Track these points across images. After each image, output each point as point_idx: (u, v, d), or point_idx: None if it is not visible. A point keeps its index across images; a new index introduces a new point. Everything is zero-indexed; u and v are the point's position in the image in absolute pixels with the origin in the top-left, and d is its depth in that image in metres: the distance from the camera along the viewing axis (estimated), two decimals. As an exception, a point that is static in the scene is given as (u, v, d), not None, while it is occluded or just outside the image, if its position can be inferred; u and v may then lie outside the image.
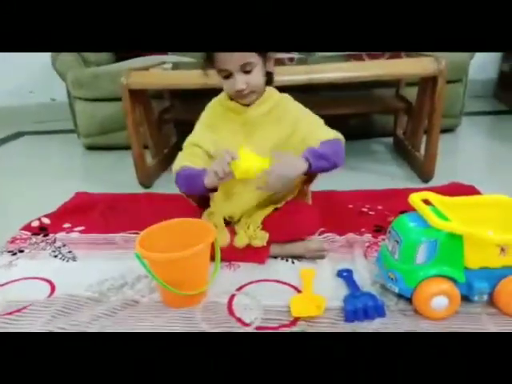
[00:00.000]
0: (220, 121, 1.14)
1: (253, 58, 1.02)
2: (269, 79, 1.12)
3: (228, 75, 1.03)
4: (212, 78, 1.08)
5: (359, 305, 0.91)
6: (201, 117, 1.17)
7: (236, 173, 0.97)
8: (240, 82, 1.02)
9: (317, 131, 1.11)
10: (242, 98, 1.07)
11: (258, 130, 1.12)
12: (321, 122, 1.15)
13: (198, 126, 1.16)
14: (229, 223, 1.17)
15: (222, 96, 1.14)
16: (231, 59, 1.00)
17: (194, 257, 0.94)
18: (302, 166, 1.01)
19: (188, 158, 1.10)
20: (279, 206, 1.15)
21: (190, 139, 1.15)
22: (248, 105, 1.10)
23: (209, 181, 1.00)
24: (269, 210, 1.15)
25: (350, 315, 0.90)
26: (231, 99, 1.10)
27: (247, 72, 1.02)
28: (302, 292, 1.00)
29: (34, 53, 2.14)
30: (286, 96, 1.16)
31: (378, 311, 0.90)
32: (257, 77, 1.04)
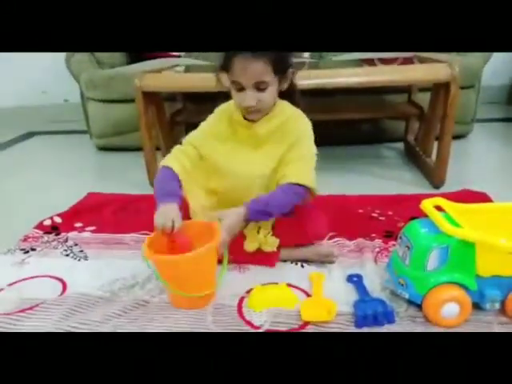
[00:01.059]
0: (225, 130, 1.12)
1: (269, 77, 0.99)
2: (290, 93, 1.10)
3: (240, 88, 1.01)
4: (224, 83, 1.07)
5: (369, 311, 0.90)
6: (207, 119, 1.16)
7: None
8: (251, 98, 1.00)
9: (298, 167, 1.07)
10: (247, 114, 1.06)
11: (263, 145, 1.10)
12: (312, 158, 1.10)
13: (202, 129, 1.15)
14: None
15: (231, 105, 1.12)
16: (246, 74, 0.98)
17: (199, 259, 0.93)
18: (241, 218, 1.02)
19: (178, 157, 1.10)
20: None
21: (190, 138, 1.14)
22: (255, 121, 1.08)
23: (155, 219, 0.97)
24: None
25: (360, 321, 0.89)
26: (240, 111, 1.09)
27: (260, 90, 1.00)
28: (312, 296, 1.00)
29: (48, 53, 2.18)
30: (299, 114, 1.12)
31: (388, 317, 0.90)
32: (269, 96, 1.02)
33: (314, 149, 1.11)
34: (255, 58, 0.96)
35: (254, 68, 0.96)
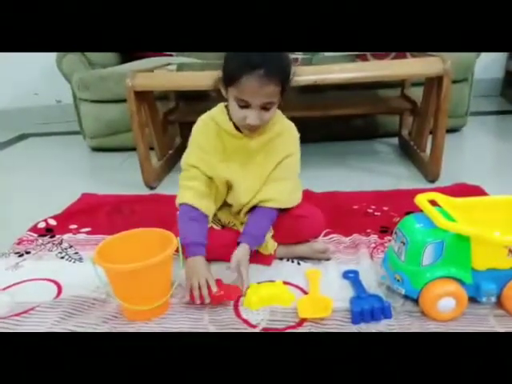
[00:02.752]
0: (213, 141, 1.08)
1: (276, 97, 0.97)
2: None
3: (245, 106, 0.96)
4: (223, 93, 1.02)
5: (366, 306, 0.90)
6: (192, 134, 1.11)
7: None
8: (256, 117, 0.97)
9: (282, 189, 1.09)
10: (247, 130, 1.03)
11: (253, 158, 1.09)
12: (296, 176, 1.13)
13: (191, 146, 1.11)
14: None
15: (217, 113, 1.08)
16: (257, 95, 0.94)
17: (154, 268, 0.90)
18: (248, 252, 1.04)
19: (189, 186, 1.08)
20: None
21: (186, 160, 1.11)
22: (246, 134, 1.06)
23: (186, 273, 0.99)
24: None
25: (357, 317, 0.89)
26: (231, 120, 1.05)
27: (265, 109, 0.97)
28: (309, 293, 1.00)
29: (39, 54, 2.16)
30: (289, 126, 1.12)
31: (385, 313, 0.90)
32: (271, 115, 1.00)
33: (298, 166, 1.13)
34: (268, 79, 0.91)
35: (266, 90, 0.93)
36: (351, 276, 1.04)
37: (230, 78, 0.95)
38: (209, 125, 1.09)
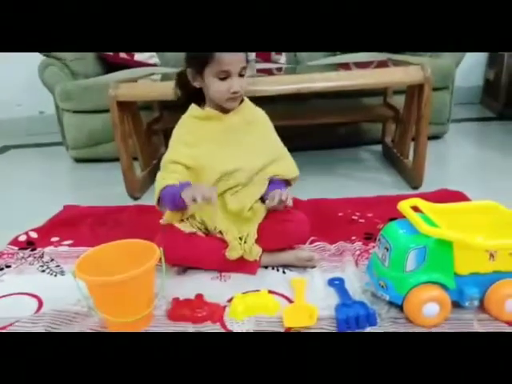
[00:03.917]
0: (197, 134, 1.14)
1: (245, 63, 1.08)
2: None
3: (225, 77, 1.06)
4: (197, 83, 1.11)
5: (351, 314, 0.90)
6: (173, 135, 1.17)
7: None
8: (237, 84, 1.07)
9: (284, 161, 1.20)
10: (231, 102, 1.10)
11: (236, 138, 1.15)
12: (283, 146, 1.23)
13: (173, 144, 1.15)
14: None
15: (191, 110, 1.16)
16: (235, 61, 1.05)
17: (137, 279, 0.89)
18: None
19: (170, 177, 1.10)
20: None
21: (167, 158, 1.14)
22: (225, 113, 1.13)
23: (186, 197, 0.99)
24: (259, 220, 1.14)
25: (342, 324, 0.89)
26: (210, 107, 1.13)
27: (241, 76, 1.08)
28: (294, 302, 0.99)
29: (22, 65, 2.14)
30: (260, 109, 1.23)
31: (370, 320, 0.90)
32: (245, 82, 1.10)
33: None
34: None
35: (240, 55, 1.06)
36: (336, 283, 1.04)
37: (204, 60, 1.05)
38: (188, 121, 1.17)
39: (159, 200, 1.10)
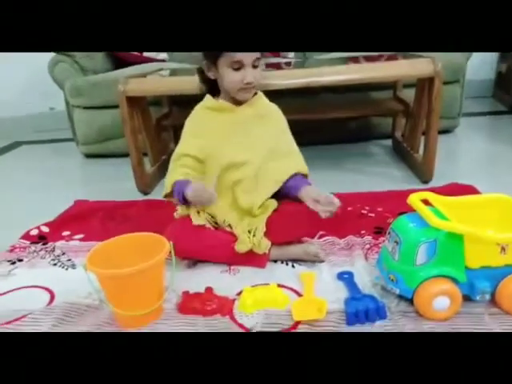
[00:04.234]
0: (206, 124, 1.15)
1: (260, 54, 1.08)
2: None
3: (239, 68, 1.06)
4: (212, 75, 1.11)
5: (360, 307, 0.90)
6: (185, 127, 1.19)
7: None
8: (251, 75, 1.07)
9: (294, 158, 1.19)
10: (244, 92, 1.11)
11: (247, 129, 1.15)
12: (295, 145, 1.21)
13: (184, 137, 1.18)
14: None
15: (205, 100, 1.17)
16: (249, 52, 1.04)
17: (147, 272, 0.90)
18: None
19: (179, 171, 1.12)
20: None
21: (177, 150, 1.16)
22: (238, 105, 1.14)
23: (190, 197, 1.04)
24: (268, 213, 1.14)
25: (352, 318, 0.89)
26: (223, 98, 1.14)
27: (255, 67, 1.08)
28: (303, 296, 0.99)
29: (32, 62, 2.16)
30: (273, 104, 1.22)
31: (380, 313, 0.90)
32: (259, 73, 1.10)
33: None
34: None
35: None
36: (346, 277, 1.04)
37: (214, 55, 1.06)
38: (201, 112, 1.18)
39: (168, 194, 1.13)
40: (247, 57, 1.05)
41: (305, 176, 1.18)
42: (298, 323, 0.90)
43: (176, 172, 1.13)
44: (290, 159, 1.17)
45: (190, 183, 1.07)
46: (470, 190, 1.45)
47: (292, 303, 0.95)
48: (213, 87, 1.16)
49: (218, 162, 1.13)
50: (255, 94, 1.17)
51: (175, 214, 1.17)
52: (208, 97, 1.17)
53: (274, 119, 1.20)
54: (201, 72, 1.16)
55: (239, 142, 1.14)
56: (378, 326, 0.88)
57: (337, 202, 1.00)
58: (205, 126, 1.15)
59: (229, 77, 1.08)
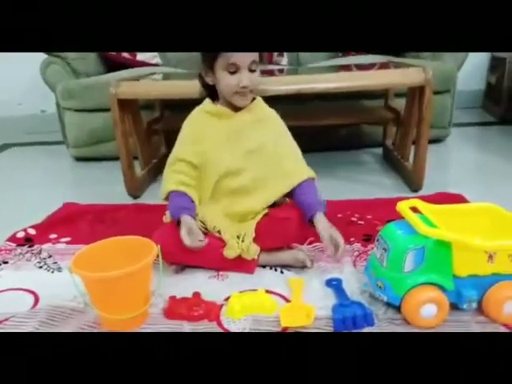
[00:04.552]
0: (204, 130, 1.14)
1: (257, 59, 1.06)
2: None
3: (235, 71, 1.05)
4: (210, 81, 1.10)
5: (348, 314, 0.89)
6: (182, 130, 1.17)
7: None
8: (247, 78, 1.05)
9: (297, 163, 1.17)
10: (240, 97, 1.09)
11: (245, 135, 1.13)
12: (298, 148, 1.19)
13: (180, 140, 1.16)
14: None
15: (204, 104, 1.16)
16: (244, 54, 1.03)
17: (134, 275, 0.88)
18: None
19: (175, 178, 1.11)
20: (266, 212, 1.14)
21: (173, 154, 1.15)
22: (236, 111, 1.12)
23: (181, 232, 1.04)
24: (258, 218, 1.13)
25: (339, 324, 0.89)
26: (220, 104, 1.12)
27: (252, 71, 1.06)
28: (291, 301, 0.99)
29: (24, 64, 2.15)
30: (274, 111, 1.20)
31: (367, 320, 0.89)
32: (257, 77, 1.08)
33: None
34: None
35: None
36: (334, 284, 1.03)
37: (211, 57, 1.05)
38: (199, 116, 1.16)
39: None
40: (243, 59, 1.04)
41: (312, 179, 1.16)
42: (285, 329, 0.90)
43: (172, 178, 1.12)
44: (288, 165, 1.15)
45: (185, 210, 1.07)
46: (458, 199, 1.46)
47: (280, 309, 0.95)
48: (212, 92, 1.14)
49: (215, 169, 1.12)
50: (254, 99, 1.15)
51: (164, 218, 1.16)
52: (207, 101, 1.16)
53: (272, 123, 1.18)
54: (201, 77, 1.14)
55: (237, 149, 1.12)
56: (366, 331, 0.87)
57: (342, 248, 1.02)
58: (203, 131, 1.14)
59: (225, 80, 1.06)
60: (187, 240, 1.02)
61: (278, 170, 1.13)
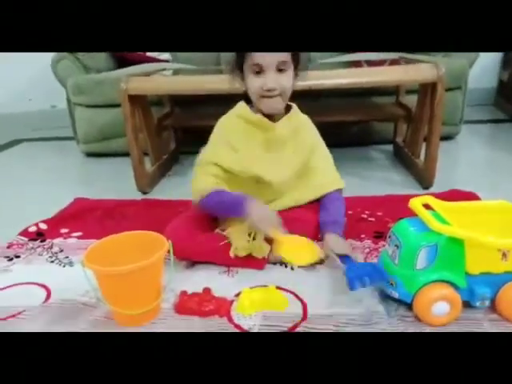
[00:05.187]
0: (238, 136, 1.09)
1: (288, 58, 0.99)
2: None
3: (259, 71, 0.98)
4: (238, 84, 1.06)
5: (361, 271, 0.91)
6: (217, 131, 1.12)
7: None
8: (272, 80, 0.98)
9: (328, 173, 1.17)
10: (267, 101, 1.02)
11: (281, 150, 1.09)
12: (330, 157, 1.18)
13: (214, 142, 1.11)
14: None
15: (241, 109, 1.09)
16: (270, 54, 0.96)
17: (146, 270, 0.89)
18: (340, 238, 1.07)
19: (208, 180, 1.07)
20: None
21: (205, 156, 1.10)
22: (273, 121, 1.07)
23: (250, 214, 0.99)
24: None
25: (354, 282, 0.89)
26: (256, 112, 1.07)
27: (280, 71, 0.99)
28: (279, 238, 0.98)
29: (35, 60, 2.16)
30: (307, 117, 1.16)
31: (380, 275, 0.91)
32: (288, 79, 1.01)
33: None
34: None
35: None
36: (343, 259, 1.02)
37: (239, 58, 1.00)
38: (235, 121, 1.09)
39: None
40: (268, 59, 0.96)
41: (339, 190, 1.16)
42: (295, 326, 0.90)
43: (205, 181, 1.08)
44: (323, 176, 1.15)
45: (247, 198, 1.02)
46: (470, 196, 1.44)
47: (282, 251, 0.96)
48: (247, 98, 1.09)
49: (247, 178, 1.09)
50: (290, 107, 1.11)
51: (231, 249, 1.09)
52: (243, 105, 1.10)
53: (308, 132, 1.15)
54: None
55: (273, 161, 1.09)
56: (377, 330, 0.87)
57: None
58: (237, 137, 1.08)
59: (250, 83, 1.00)
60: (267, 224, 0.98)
61: (310, 181, 1.13)
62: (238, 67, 1.03)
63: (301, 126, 1.12)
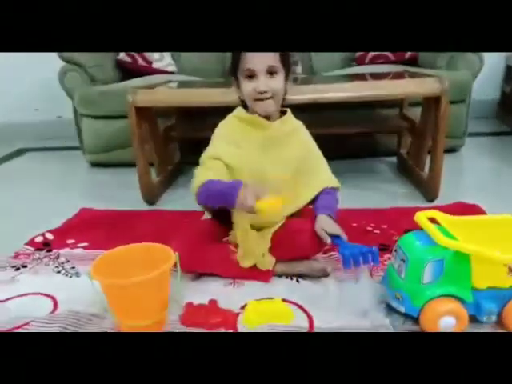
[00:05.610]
0: (238, 135, 1.12)
1: (278, 63, 1.04)
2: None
3: (251, 75, 1.03)
4: (236, 91, 1.10)
5: (355, 250, 0.96)
6: (217, 131, 1.15)
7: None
8: (263, 83, 1.03)
9: (323, 173, 1.20)
10: (261, 104, 1.06)
11: (278, 148, 1.12)
12: (324, 159, 1.21)
13: (216, 140, 1.14)
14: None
15: (239, 112, 1.14)
16: (259, 59, 1.01)
17: (152, 283, 0.89)
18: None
19: (209, 173, 1.07)
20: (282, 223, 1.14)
21: (208, 153, 1.12)
22: (270, 120, 1.11)
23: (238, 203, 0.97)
24: (273, 229, 1.14)
25: (348, 260, 0.94)
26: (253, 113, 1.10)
27: (271, 74, 1.04)
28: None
29: (41, 70, 2.18)
30: (299, 121, 1.20)
31: (373, 256, 0.97)
32: (279, 84, 1.05)
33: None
34: None
35: (265, 53, 1.01)
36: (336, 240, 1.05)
37: (236, 60, 1.05)
38: (234, 122, 1.14)
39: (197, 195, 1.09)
40: (258, 64, 1.01)
41: (335, 189, 1.19)
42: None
43: (204, 174, 1.08)
44: (319, 175, 1.18)
45: (237, 183, 0.99)
46: (475, 208, 1.45)
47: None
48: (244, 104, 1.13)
49: (247, 175, 1.09)
50: (285, 112, 1.15)
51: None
52: (240, 108, 1.14)
53: (302, 135, 1.18)
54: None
55: (271, 158, 1.11)
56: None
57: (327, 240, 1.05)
58: (237, 136, 1.12)
59: (244, 87, 1.05)
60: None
61: (307, 182, 1.15)
62: (233, 74, 1.08)
63: (295, 128, 1.17)
